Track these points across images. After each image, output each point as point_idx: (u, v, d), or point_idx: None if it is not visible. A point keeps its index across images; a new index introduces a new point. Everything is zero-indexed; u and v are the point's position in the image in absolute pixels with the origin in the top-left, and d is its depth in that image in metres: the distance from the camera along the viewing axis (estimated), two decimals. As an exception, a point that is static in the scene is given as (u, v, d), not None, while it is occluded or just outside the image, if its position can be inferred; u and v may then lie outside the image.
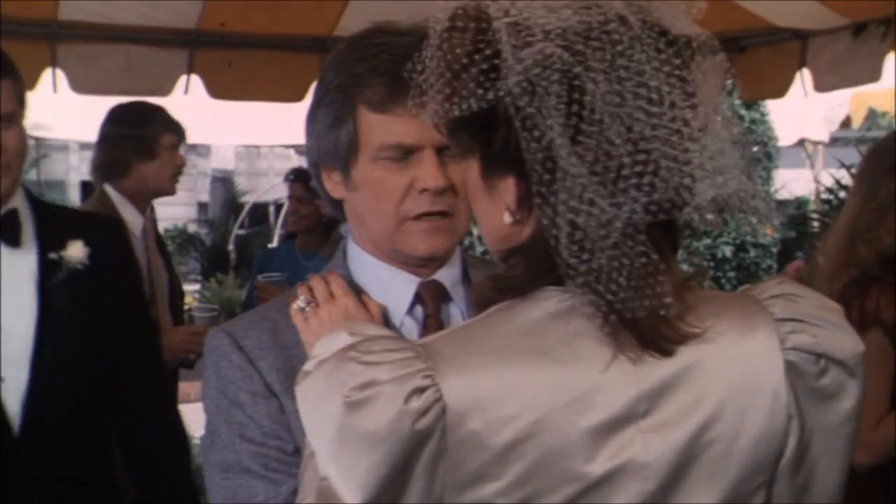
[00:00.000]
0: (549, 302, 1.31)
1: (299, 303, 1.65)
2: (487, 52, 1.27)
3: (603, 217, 1.24)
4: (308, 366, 1.30)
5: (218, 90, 5.70)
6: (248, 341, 1.69)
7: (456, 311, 1.75)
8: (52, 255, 2.54)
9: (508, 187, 1.31)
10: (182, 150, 4.47)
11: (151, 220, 4.45)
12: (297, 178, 5.60)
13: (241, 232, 20.69)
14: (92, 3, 5.19)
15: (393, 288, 1.73)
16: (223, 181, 25.35)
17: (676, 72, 1.27)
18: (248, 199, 22.89)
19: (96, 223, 2.79)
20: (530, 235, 1.31)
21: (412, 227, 1.68)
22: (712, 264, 13.29)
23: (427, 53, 1.33)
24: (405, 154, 1.66)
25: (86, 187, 22.26)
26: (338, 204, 1.77)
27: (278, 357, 1.67)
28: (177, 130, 4.38)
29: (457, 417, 1.23)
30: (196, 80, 5.62)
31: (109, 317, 2.60)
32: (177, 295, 4.64)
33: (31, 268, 2.53)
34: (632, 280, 1.25)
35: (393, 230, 1.68)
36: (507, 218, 1.33)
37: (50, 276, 2.53)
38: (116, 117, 4.38)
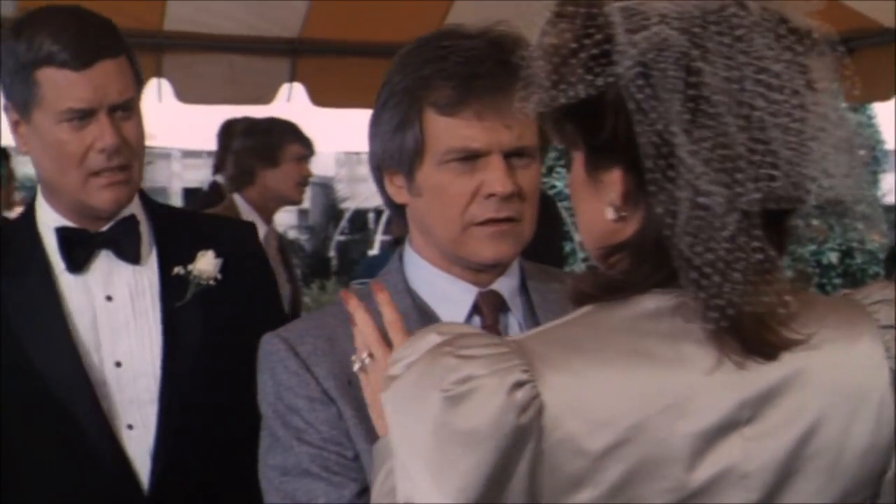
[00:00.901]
0: (649, 301, 1.27)
1: (357, 362, 1.54)
2: (598, 36, 1.23)
3: (720, 208, 1.19)
4: (394, 370, 1.26)
5: (320, 97, 5.75)
6: (304, 347, 1.66)
7: (513, 322, 1.72)
8: (178, 271, 2.11)
9: (614, 181, 1.28)
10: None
11: (275, 231, 4.53)
12: None
13: (342, 238, 20.87)
14: (197, 14, 5.29)
15: (451, 297, 1.70)
16: (323, 187, 25.61)
17: (798, 59, 1.23)
18: (349, 206, 23.10)
19: (227, 228, 2.36)
20: (636, 231, 1.27)
21: (477, 233, 1.65)
22: (817, 270, 13.02)
23: (533, 44, 1.31)
24: (472, 158, 1.63)
25: (188, 194, 22.68)
26: (399, 209, 1.74)
27: (335, 364, 1.63)
28: (304, 142, 4.46)
29: (553, 419, 1.19)
30: (298, 88, 5.69)
31: (244, 341, 1.97)
32: (298, 307, 4.68)
33: (152, 288, 2.11)
34: (748, 275, 1.21)
35: (457, 235, 1.66)
36: (610, 214, 1.29)
37: (175, 296, 2.10)
38: (248, 130, 4.55)
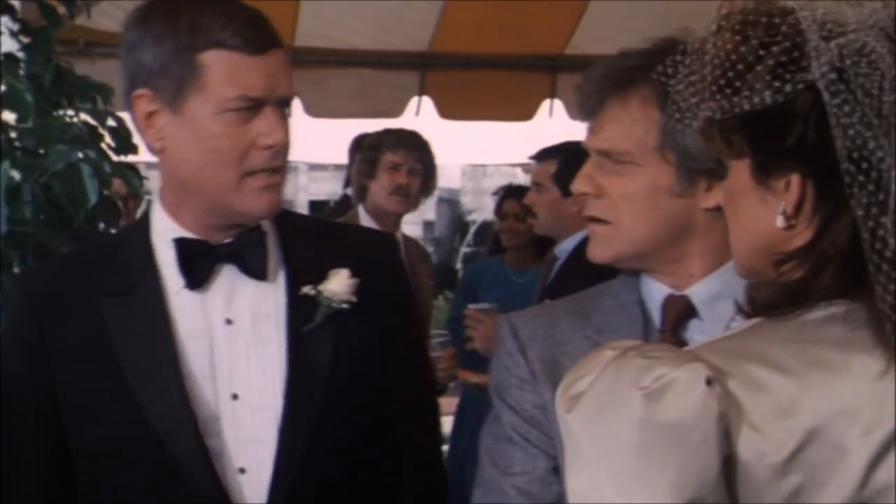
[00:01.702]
0: (818, 310, 1.27)
1: None
2: (786, 44, 1.25)
3: None
4: (576, 388, 1.25)
5: (448, 110, 5.78)
6: (524, 331, 1.74)
7: (695, 331, 1.70)
8: (307, 291, 1.85)
9: (789, 187, 1.28)
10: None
11: (404, 235, 4.55)
12: (511, 194, 5.61)
13: (468, 250, 20.94)
14: (327, 30, 5.36)
15: (654, 299, 1.73)
16: (449, 200, 25.75)
17: None
18: (474, 218, 23.16)
19: (364, 240, 2.08)
20: (814, 238, 1.27)
21: None
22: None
23: (691, 56, 1.33)
24: None
25: (314, 207, 23.00)
26: None
27: (547, 350, 1.72)
28: (401, 151, 4.44)
29: (736, 425, 1.19)
30: (427, 101, 5.72)
31: (377, 374, 1.90)
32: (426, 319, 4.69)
33: (277, 310, 1.85)
34: None
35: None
36: (780, 221, 1.29)
37: (303, 319, 1.84)
38: (358, 143, 4.59)
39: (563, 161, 3.90)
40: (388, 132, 4.54)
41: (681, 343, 1.67)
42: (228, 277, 1.85)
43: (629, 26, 5.11)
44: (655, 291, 1.72)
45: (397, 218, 4.45)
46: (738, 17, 1.29)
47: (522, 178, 19.56)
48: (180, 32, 1.75)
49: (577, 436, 1.23)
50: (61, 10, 3.10)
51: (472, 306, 4.41)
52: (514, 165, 20.36)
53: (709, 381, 1.18)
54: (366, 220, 4.36)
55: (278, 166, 1.80)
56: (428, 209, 26.03)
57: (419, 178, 4.40)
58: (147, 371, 1.80)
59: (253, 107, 1.76)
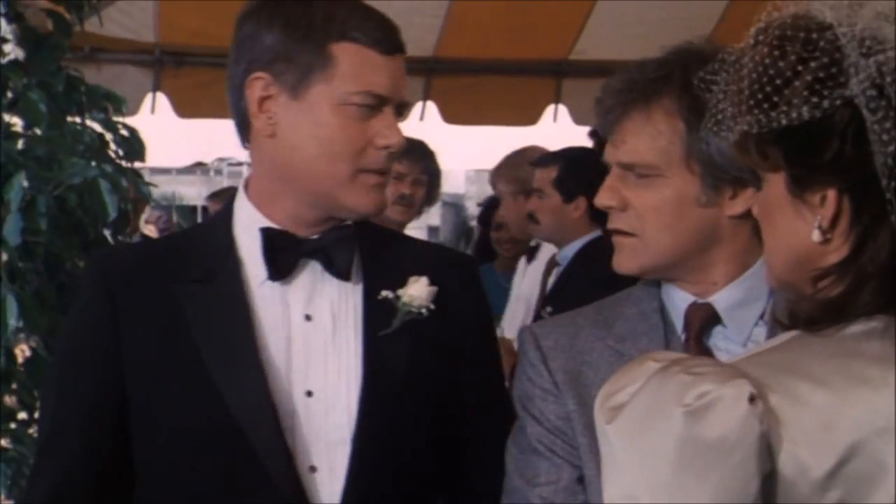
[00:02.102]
0: (857, 324, 1.27)
1: None
2: (824, 60, 1.26)
3: None
4: (616, 399, 1.24)
5: (452, 115, 5.79)
6: (546, 342, 1.74)
7: (719, 338, 1.71)
8: (386, 295, 1.82)
9: (825, 202, 1.28)
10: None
11: None
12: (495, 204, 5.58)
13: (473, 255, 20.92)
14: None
15: (676, 307, 1.73)
16: (454, 205, 25.74)
17: None
18: (479, 223, 23.13)
19: (443, 256, 2.03)
20: (852, 253, 1.28)
21: None
22: None
23: (728, 70, 1.34)
24: None
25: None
26: None
27: (569, 360, 1.72)
28: (405, 159, 4.39)
29: (779, 438, 1.19)
30: (431, 106, 5.72)
31: (451, 381, 1.88)
32: None
33: (356, 311, 1.83)
34: None
35: None
36: (817, 235, 1.29)
37: (380, 323, 1.81)
38: None
39: (564, 167, 3.90)
40: None
41: (705, 350, 1.69)
42: (311, 273, 1.82)
43: (633, 31, 5.12)
44: (678, 299, 1.72)
45: (400, 226, 4.44)
46: (776, 32, 1.29)
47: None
48: (315, 20, 1.75)
49: (615, 447, 1.23)
50: (68, 16, 3.11)
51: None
52: (518, 170, 20.32)
53: (752, 399, 1.18)
54: None
55: (389, 168, 1.81)
56: (433, 214, 26.02)
57: (423, 188, 4.37)
58: (227, 360, 1.77)
59: (374, 105, 1.75)
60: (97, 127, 3.08)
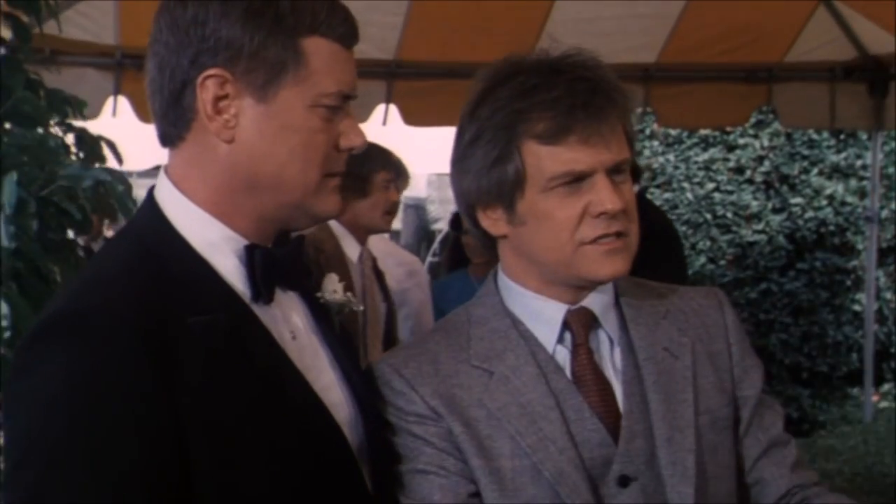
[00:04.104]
0: None
1: None
2: None
3: None
4: None
5: (413, 118, 5.78)
6: (407, 370, 1.69)
7: (604, 338, 1.73)
8: (320, 296, 1.75)
9: None
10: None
11: (370, 252, 4.51)
12: None
13: (434, 259, 20.91)
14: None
15: (544, 317, 1.72)
16: (415, 208, 25.72)
17: None
18: (440, 227, 23.14)
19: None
20: None
21: (591, 252, 1.66)
22: None
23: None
24: (577, 181, 1.65)
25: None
26: (491, 241, 1.77)
27: (439, 385, 1.68)
28: (392, 168, 4.42)
29: None
30: (393, 110, 5.72)
31: None
32: (393, 326, 4.68)
33: (308, 319, 1.68)
34: None
35: (569, 258, 1.67)
36: None
37: (328, 325, 1.71)
38: None
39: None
40: (377, 148, 4.42)
41: (592, 353, 1.71)
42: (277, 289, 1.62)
43: (592, 28, 5.13)
44: (547, 309, 1.72)
45: (369, 233, 4.45)
46: None
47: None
48: (282, 11, 1.54)
49: None
50: (25, 18, 3.08)
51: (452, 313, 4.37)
52: (480, 174, 20.29)
53: None
54: (339, 231, 4.31)
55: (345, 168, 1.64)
56: (395, 218, 25.98)
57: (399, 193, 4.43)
58: (291, 385, 1.55)
59: (340, 105, 1.59)
60: (58, 132, 3.06)
